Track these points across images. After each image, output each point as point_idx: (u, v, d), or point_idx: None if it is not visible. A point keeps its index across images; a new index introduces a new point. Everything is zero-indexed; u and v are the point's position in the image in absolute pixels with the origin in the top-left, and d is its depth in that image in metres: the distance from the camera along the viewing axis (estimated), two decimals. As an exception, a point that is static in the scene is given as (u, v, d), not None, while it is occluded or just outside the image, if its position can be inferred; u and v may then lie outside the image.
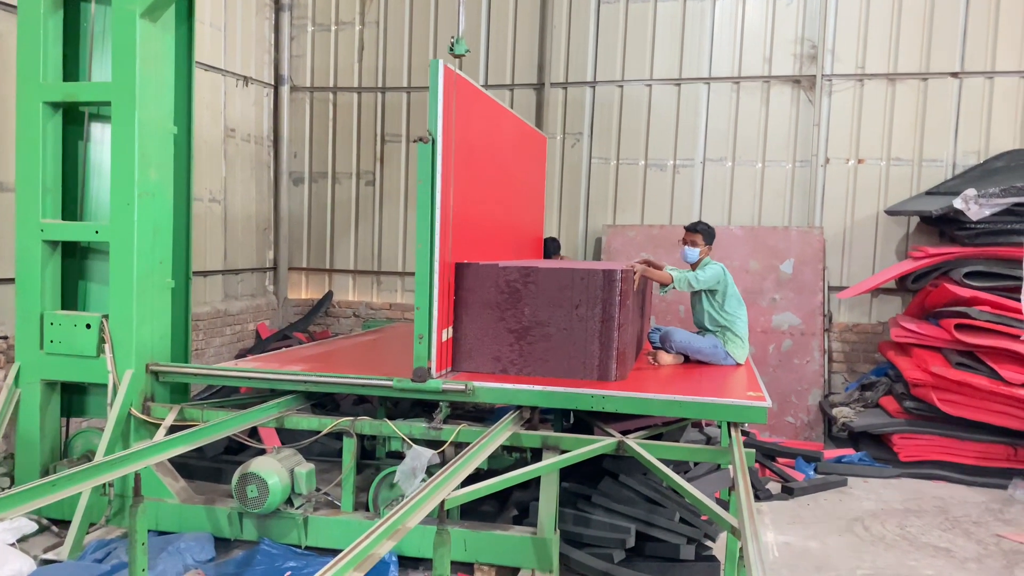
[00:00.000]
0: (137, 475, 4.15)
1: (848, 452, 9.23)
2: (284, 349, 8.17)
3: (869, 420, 9.31)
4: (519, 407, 6.19)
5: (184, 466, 6.97)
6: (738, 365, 7.45)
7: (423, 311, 6.06)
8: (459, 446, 6.12)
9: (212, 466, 7.63)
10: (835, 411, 9.80)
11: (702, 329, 7.67)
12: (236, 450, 7.97)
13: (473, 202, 6.96)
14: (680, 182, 11.28)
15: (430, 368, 6.06)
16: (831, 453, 9.21)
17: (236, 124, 11.14)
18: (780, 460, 8.83)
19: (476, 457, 5.14)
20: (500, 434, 5.72)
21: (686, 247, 7.53)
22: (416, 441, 6.01)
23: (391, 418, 6.28)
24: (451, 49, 7.10)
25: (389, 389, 6.14)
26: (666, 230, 11.04)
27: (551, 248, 10.15)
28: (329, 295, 12.23)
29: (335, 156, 12.42)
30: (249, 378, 6.47)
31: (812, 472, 8.58)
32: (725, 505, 5.84)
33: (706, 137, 11.16)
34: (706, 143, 11.16)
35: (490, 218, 7.66)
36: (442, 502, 4.15)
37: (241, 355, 10.55)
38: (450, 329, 6.49)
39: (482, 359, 6.53)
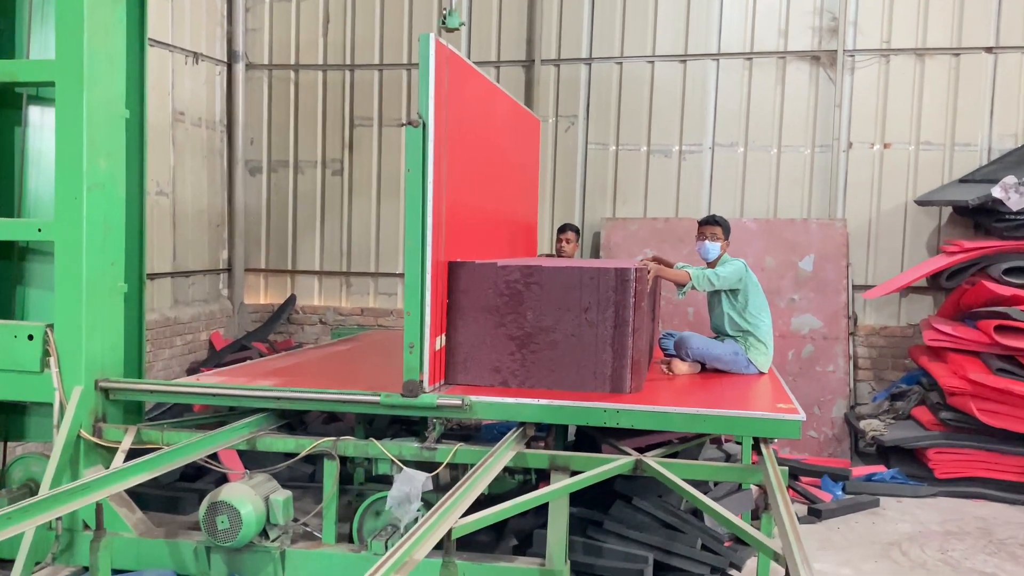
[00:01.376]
0: (99, 505, 4.06)
1: (878, 469, 9.25)
2: (246, 362, 8.12)
3: (900, 433, 9.32)
4: (521, 424, 6.16)
5: (134, 495, 6.85)
6: (761, 374, 7.44)
7: (414, 317, 5.99)
8: (453, 467, 6.09)
9: (167, 495, 7.56)
10: (863, 424, 9.81)
11: (720, 334, 7.65)
12: (193, 476, 7.91)
13: (467, 193, 6.92)
14: (687, 170, 11.26)
15: (422, 381, 6.01)
16: (860, 470, 9.22)
17: (185, 107, 11.09)
18: (804, 479, 8.83)
19: (481, 480, 5.10)
20: (504, 454, 5.68)
21: (705, 242, 7.50)
22: (406, 463, 5.97)
23: (375, 438, 6.24)
24: (443, 22, 7.06)
25: (376, 405, 6.08)
26: (672, 223, 11.03)
27: (561, 229, 10.05)
28: (292, 300, 12.19)
29: (297, 142, 12.39)
30: (217, 395, 6.39)
31: (840, 492, 8.60)
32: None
33: (715, 120, 11.17)
34: (715, 126, 11.17)
35: (485, 211, 7.62)
36: (449, 531, 4.10)
37: (194, 369, 10.53)
38: (443, 337, 6.45)
39: (479, 370, 6.49)
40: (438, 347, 6.32)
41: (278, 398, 6.28)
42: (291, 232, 12.41)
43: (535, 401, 6.04)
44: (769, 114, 11.06)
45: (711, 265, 7.58)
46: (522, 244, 9.37)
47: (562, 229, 9.85)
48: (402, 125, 5.96)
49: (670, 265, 7.78)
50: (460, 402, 5.97)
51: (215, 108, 11.80)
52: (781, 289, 10.63)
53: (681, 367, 7.36)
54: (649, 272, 6.76)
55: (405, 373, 6.01)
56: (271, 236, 12.48)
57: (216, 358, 10.74)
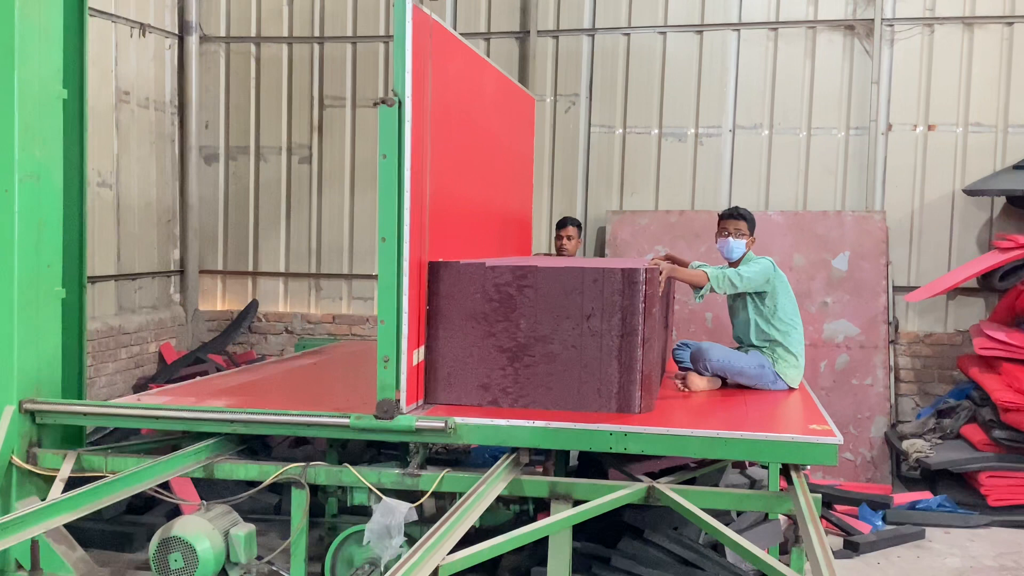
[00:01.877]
0: (35, 542, 4.01)
1: (923, 496, 9.25)
2: (199, 378, 8.05)
3: (948, 455, 9.29)
4: (514, 450, 6.08)
5: (74, 530, 6.65)
6: (790, 390, 7.37)
7: (389, 326, 5.92)
8: (439, 496, 6.07)
9: (113, 530, 7.51)
10: (905, 444, 9.78)
11: (744, 344, 7.57)
12: (142, 508, 7.86)
13: (451, 183, 6.84)
14: (704, 156, 11.26)
15: (398, 401, 5.94)
16: (902, 497, 9.21)
17: (131, 86, 11.04)
18: (839, 508, 8.82)
19: (471, 511, 5.06)
20: (497, 481, 5.63)
21: (730, 239, 7.43)
22: (386, 492, 5.90)
23: (350, 463, 6.16)
24: (425, -14, 6.99)
25: (345, 429, 6.01)
26: (687, 217, 11.02)
27: (561, 223, 9.96)
28: (253, 306, 12.17)
29: (259, 126, 12.36)
30: (161, 417, 6.32)
31: (880, 522, 8.58)
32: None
33: (736, 98, 11.19)
34: (736, 106, 11.19)
35: (472, 204, 7.54)
36: (436, 570, 4.07)
37: (141, 386, 10.49)
38: (423, 349, 6.37)
39: (465, 387, 6.42)
40: (417, 361, 6.25)
41: (231, 421, 6.19)
42: (252, 228, 12.37)
43: (530, 423, 5.96)
44: (797, 92, 11.02)
45: (734, 264, 7.50)
46: (515, 242, 9.29)
47: (562, 224, 9.79)
48: (376, 104, 5.87)
49: (685, 264, 7.68)
50: (443, 425, 5.88)
51: (165, 87, 11.74)
52: (812, 291, 10.61)
53: (698, 382, 7.26)
54: (661, 273, 6.67)
55: (379, 391, 5.93)
56: (229, 233, 12.42)
57: (167, 373, 10.69)
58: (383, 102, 5.81)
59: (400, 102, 5.82)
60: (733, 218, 7.47)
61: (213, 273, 12.43)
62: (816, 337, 10.48)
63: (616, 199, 11.48)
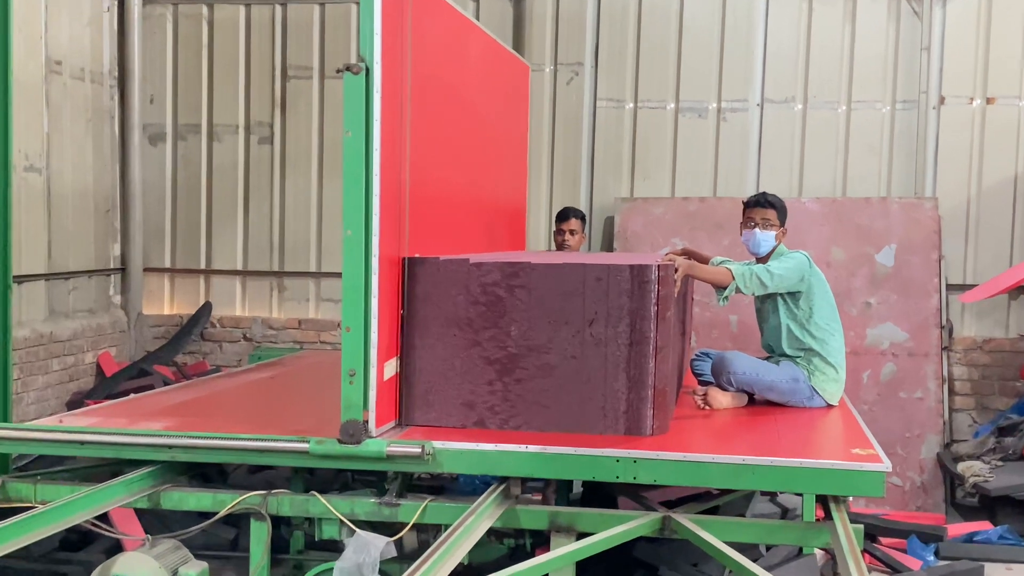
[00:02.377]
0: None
1: (982, 526, 9.16)
2: (132, 395, 7.96)
3: (1011, 479, 9.24)
4: (503, 479, 5.96)
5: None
6: (829, 407, 7.24)
7: (355, 334, 5.78)
8: (421, 529, 6.10)
9: (43, 568, 7.45)
10: (961, 467, 9.73)
11: (775, 354, 7.44)
12: (77, 543, 7.78)
13: (430, 165, 6.69)
14: (728, 134, 11.23)
15: (367, 422, 5.81)
16: (957, 528, 9.15)
17: (63, 55, 10.89)
18: (885, 540, 8.71)
19: (459, 546, 5.03)
20: (488, 512, 5.58)
21: (756, 230, 7.29)
22: (360, 524, 5.83)
23: (317, 491, 6.09)
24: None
25: (304, 456, 5.89)
26: (709, 205, 10.97)
27: (562, 216, 9.79)
28: (206, 309, 12.10)
29: (213, 101, 12.25)
30: (85, 443, 6.19)
31: (932, 557, 8.46)
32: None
33: (765, 67, 11.18)
34: (765, 76, 11.18)
35: (454, 189, 7.41)
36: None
37: (76, 402, 10.39)
38: (396, 361, 6.23)
39: (447, 406, 6.28)
40: (389, 375, 6.11)
41: (170, 447, 6.08)
42: (205, 220, 12.27)
43: (522, 448, 5.84)
44: (835, 60, 11.01)
45: (762, 260, 7.36)
46: (505, 235, 9.17)
47: (562, 216, 9.70)
48: (339, 72, 5.73)
49: (705, 260, 7.61)
50: (419, 450, 5.75)
51: (103, 56, 11.59)
52: (852, 291, 10.57)
53: (721, 399, 7.11)
54: (677, 270, 6.49)
55: (343, 411, 5.80)
56: (178, 225, 12.34)
57: (106, 387, 10.60)
58: (348, 69, 5.69)
59: (368, 69, 5.69)
60: (760, 206, 7.34)
61: (159, 271, 12.32)
62: (857, 344, 10.39)
63: (626, 185, 11.42)
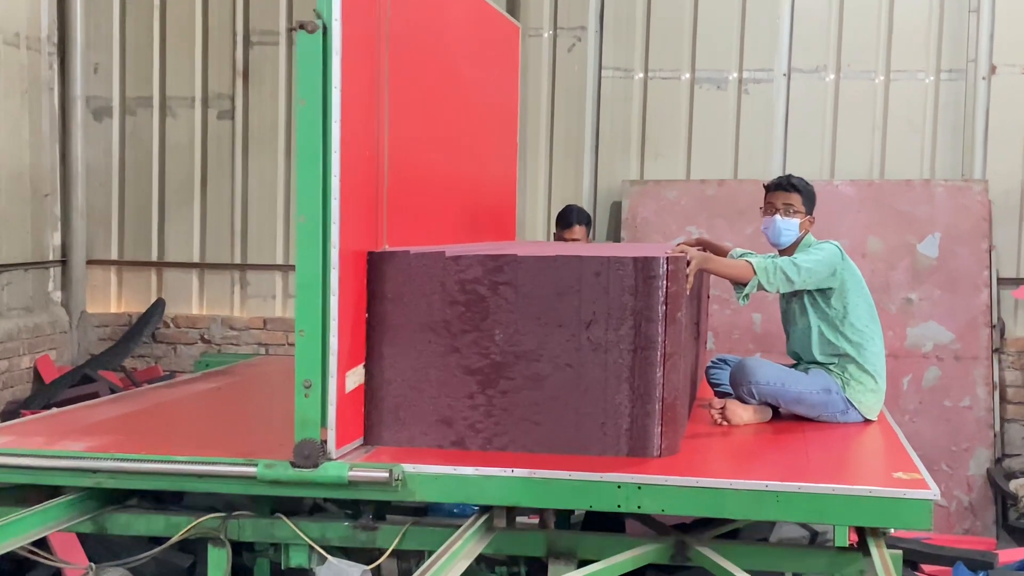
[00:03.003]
0: None
1: (1038, 552, 9.07)
2: (68, 407, 7.75)
3: (1072, 500, 9.31)
4: (487, 509, 5.77)
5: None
6: (867, 422, 6.98)
7: (311, 339, 5.49)
8: (402, 556, 6.08)
9: None
10: (1014, 484, 9.77)
11: (803, 361, 7.16)
12: (11, 574, 7.72)
13: (401, 141, 6.38)
14: (751, 108, 11.18)
15: (325, 442, 5.53)
16: (1010, 554, 8.92)
17: None
18: (927, 568, 8.61)
19: None
20: (476, 536, 5.50)
21: (776, 217, 7.03)
22: (332, 552, 5.71)
23: (284, 513, 5.97)
24: None
25: (251, 482, 5.62)
26: (728, 188, 10.91)
27: (565, 223, 9.42)
28: (159, 307, 12.03)
29: (165, 71, 12.18)
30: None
31: (981, 586, 8.39)
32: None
33: (792, 33, 11.11)
34: (792, 43, 11.12)
35: (431, 170, 7.10)
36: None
37: (11, 412, 10.31)
38: (361, 370, 5.94)
39: (420, 422, 5.96)
40: (353, 386, 5.80)
41: (95, 471, 5.78)
42: (157, 205, 12.21)
43: (507, 472, 5.54)
44: (872, 24, 10.94)
45: (786, 252, 7.08)
46: (492, 224, 8.85)
47: (565, 222, 9.25)
48: (292, 31, 5.50)
49: (724, 252, 7.31)
50: (386, 475, 5.45)
51: (40, 20, 11.45)
52: (891, 285, 10.53)
53: (741, 413, 6.80)
54: (690, 263, 6.17)
55: (297, 429, 5.51)
56: (127, 211, 12.28)
57: (46, 395, 10.45)
58: (301, 27, 5.42)
59: (325, 27, 5.42)
60: (782, 189, 7.08)
61: (105, 264, 12.23)
62: (897, 345, 10.36)
63: (635, 165, 11.36)
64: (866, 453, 6.46)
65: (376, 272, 5.92)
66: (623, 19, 11.31)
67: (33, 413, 8.85)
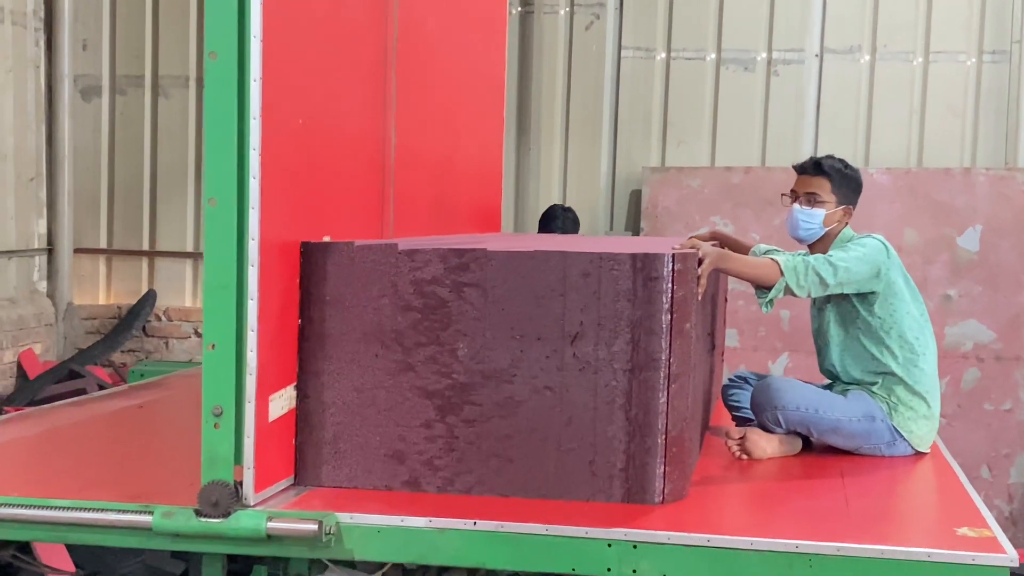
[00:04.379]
0: None
1: (1090, 567, 8.14)
2: (57, 403, 7.00)
3: None
4: (443, 571, 4.76)
5: None
6: (917, 455, 5.71)
7: (223, 353, 4.30)
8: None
9: None
10: None
11: (840, 381, 5.88)
12: None
13: (344, 105, 5.16)
14: (780, 91, 10.56)
15: (240, 484, 4.33)
16: None
17: None
18: None
19: None
20: None
21: (795, 206, 5.82)
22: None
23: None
24: None
25: (145, 534, 4.42)
26: (755, 176, 10.18)
27: (554, 225, 8.12)
28: (150, 298, 11.40)
29: (158, 48, 11.54)
30: None
31: (1023, 602, 7.61)
32: None
33: (824, 11, 10.48)
34: (824, 22, 10.47)
35: (384, 143, 5.84)
36: None
37: None
38: (291, 392, 4.73)
39: (364, 457, 4.77)
40: (280, 413, 4.57)
41: None
42: (149, 191, 11.59)
43: (468, 525, 4.40)
44: (910, 2, 10.29)
45: (817, 249, 5.81)
46: (467, 213, 7.61)
47: (548, 227, 8.16)
48: None
49: (744, 249, 6.04)
50: (315, 527, 4.23)
51: None
52: (929, 281, 9.85)
53: (765, 445, 5.53)
54: (702, 261, 4.94)
55: (204, 467, 4.29)
56: (116, 197, 11.66)
57: (29, 391, 9.83)
58: None
59: None
60: (806, 173, 5.86)
61: (94, 253, 11.61)
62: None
63: (656, 151, 10.69)
64: (920, 499, 5.28)
65: (311, 269, 4.71)
66: None
67: (16, 410, 8.48)
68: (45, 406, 7.80)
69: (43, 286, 11.20)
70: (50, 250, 11.21)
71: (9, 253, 10.55)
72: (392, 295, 4.56)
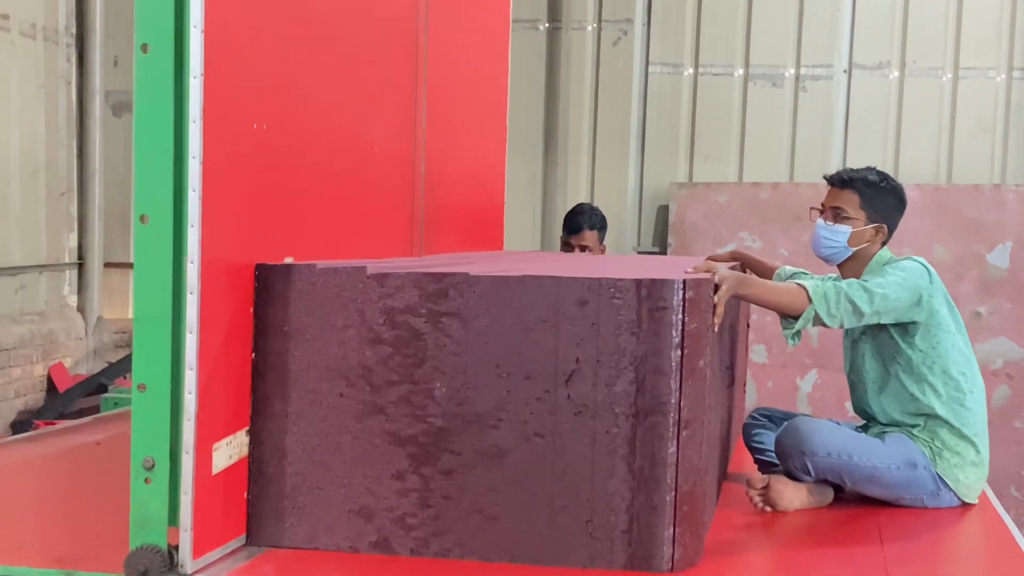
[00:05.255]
0: None
1: None
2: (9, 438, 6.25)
3: None
4: None
5: None
6: (964, 506, 4.60)
7: (155, 395, 3.34)
8: None
9: None
10: None
11: (876, 421, 4.78)
12: None
13: (307, 103, 4.12)
14: (808, 107, 10.02)
15: (175, 549, 3.38)
16: None
17: (9, 7, 9.62)
18: None
19: None
20: None
21: (819, 222, 4.79)
22: None
23: None
24: None
25: None
26: (783, 192, 9.62)
27: (572, 226, 7.05)
28: None
29: None
30: None
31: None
32: None
33: (853, 27, 9.96)
34: (853, 38, 9.96)
35: (358, 148, 4.66)
36: None
37: (24, 422, 9.22)
38: (243, 438, 3.71)
39: (327, 514, 3.75)
40: (225, 463, 3.56)
41: None
42: None
43: None
44: (939, 17, 9.73)
45: (848, 272, 4.77)
46: (457, 232, 6.31)
47: (573, 226, 6.92)
48: None
49: (769, 271, 5.02)
50: None
51: (58, 9, 10.25)
52: (959, 298, 9.16)
53: (791, 496, 4.43)
54: (719, 287, 3.90)
55: (133, 529, 3.36)
56: None
57: (59, 404, 9.23)
58: None
59: None
60: (833, 185, 4.82)
61: (123, 267, 10.97)
62: None
63: (683, 167, 10.12)
64: (970, 561, 4.20)
65: (267, 295, 3.71)
66: (672, 11, 10.11)
67: (47, 424, 7.97)
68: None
69: (73, 300, 10.69)
70: (80, 264, 10.69)
71: (40, 267, 10.06)
72: (360, 326, 3.60)
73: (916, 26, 9.77)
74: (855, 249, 4.63)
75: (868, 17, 9.83)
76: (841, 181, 4.68)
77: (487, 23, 6.82)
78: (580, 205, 7.00)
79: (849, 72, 9.93)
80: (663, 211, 9.95)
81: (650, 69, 10.13)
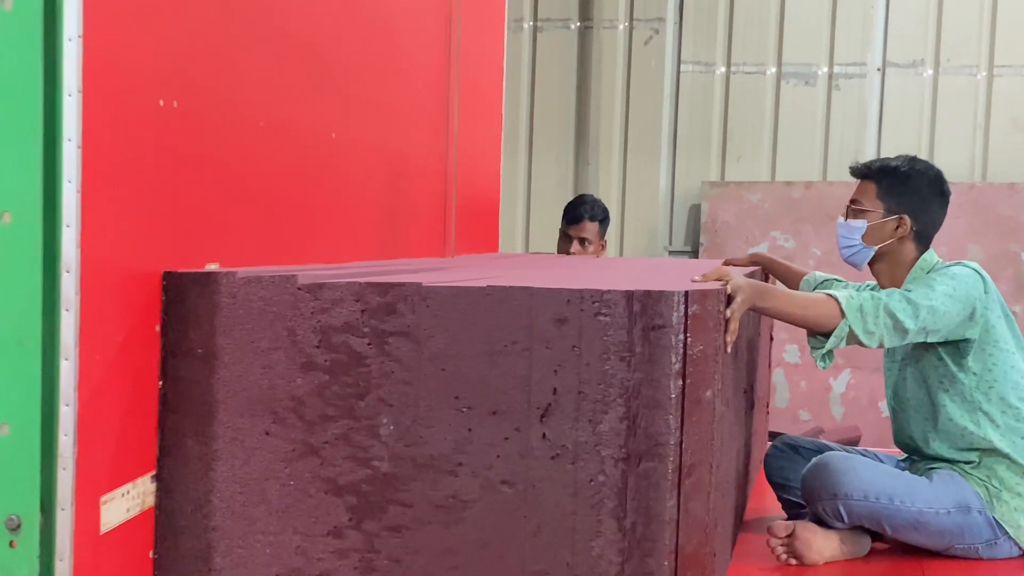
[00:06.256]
0: None
1: None
2: None
3: None
4: None
5: None
6: None
7: (18, 438, 2.45)
8: None
9: None
10: None
11: (921, 457, 3.71)
12: None
13: (257, 83, 3.09)
14: (841, 105, 9.21)
15: None
16: None
17: None
18: None
19: None
20: None
21: (840, 219, 3.74)
22: None
23: None
24: None
25: None
26: (817, 191, 8.83)
27: (572, 216, 6.05)
28: None
29: None
30: None
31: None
32: None
33: (887, 25, 9.17)
34: (887, 35, 9.19)
35: (296, 131, 3.43)
36: None
37: None
38: (148, 485, 2.79)
39: None
40: (120, 520, 2.62)
41: None
42: None
43: None
44: (974, 15, 8.96)
45: (885, 279, 3.72)
46: (435, 236, 4.99)
47: (574, 216, 5.90)
48: None
49: (795, 278, 4.00)
50: None
51: None
52: None
53: (821, 545, 3.36)
54: (732, 299, 2.89)
55: None
56: None
57: None
58: None
59: None
60: (856, 176, 3.80)
61: None
62: None
63: (715, 166, 9.32)
64: None
65: (178, 311, 2.72)
66: (704, 10, 9.31)
67: None
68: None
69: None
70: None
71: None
72: (289, 348, 2.62)
73: (950, 24, 9.01)
74: (877, 248, 3.60)
75: (902, 15, 9.05)
76: (863, 172, 3.70)
77: (480, 18, 5.52)
78: (583, 195, 5.97)
79: (883, 70, 9.17)
80: (695, 210, 9.17)
81: (682, 68, 9.42)
